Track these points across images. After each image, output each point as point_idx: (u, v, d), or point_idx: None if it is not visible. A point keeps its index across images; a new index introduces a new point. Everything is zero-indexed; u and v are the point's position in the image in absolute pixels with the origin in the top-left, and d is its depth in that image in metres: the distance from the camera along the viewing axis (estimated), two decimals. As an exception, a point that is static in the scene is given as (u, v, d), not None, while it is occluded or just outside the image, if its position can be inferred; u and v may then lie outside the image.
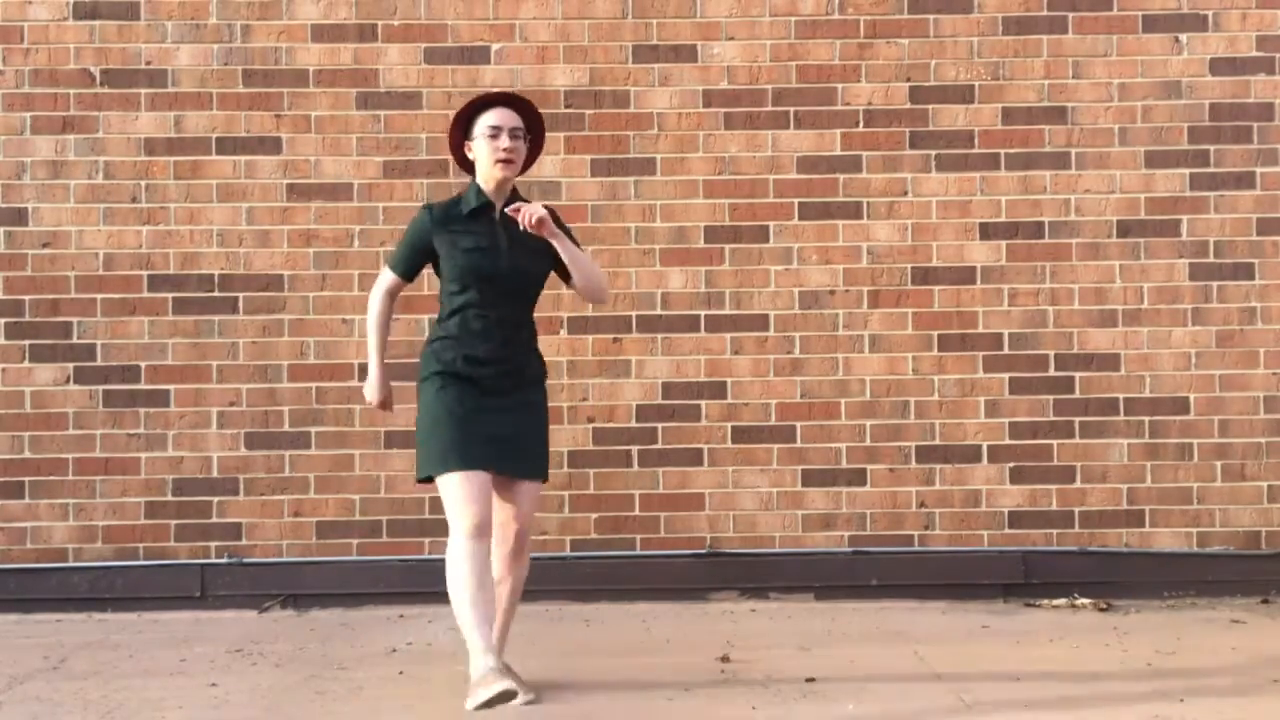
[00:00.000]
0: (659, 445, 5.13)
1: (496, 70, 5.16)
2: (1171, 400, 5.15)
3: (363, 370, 5.07)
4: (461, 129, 3.72)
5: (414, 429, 3.62)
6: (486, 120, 3.66)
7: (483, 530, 3.53)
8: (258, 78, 5.16)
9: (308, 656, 4.31)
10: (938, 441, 5.14)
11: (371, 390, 3.86)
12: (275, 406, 5.11)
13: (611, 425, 5.13)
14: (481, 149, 3.67)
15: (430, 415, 3.62)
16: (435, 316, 5.10)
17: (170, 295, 5.11)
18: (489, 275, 3.63)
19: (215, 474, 5.10)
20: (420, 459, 3.67)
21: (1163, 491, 5.13)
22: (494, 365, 3.63)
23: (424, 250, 3.71)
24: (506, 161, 3.65)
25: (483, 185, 3.70)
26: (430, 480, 3.63)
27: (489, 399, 3.61)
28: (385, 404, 3.89)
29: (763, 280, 5.16)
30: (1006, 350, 5.15)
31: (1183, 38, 5.20)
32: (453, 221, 3.68)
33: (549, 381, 3.89)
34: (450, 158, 3.88)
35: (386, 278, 3.81)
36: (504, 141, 3.64)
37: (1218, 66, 5.19)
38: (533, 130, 3.76)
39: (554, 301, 4.88)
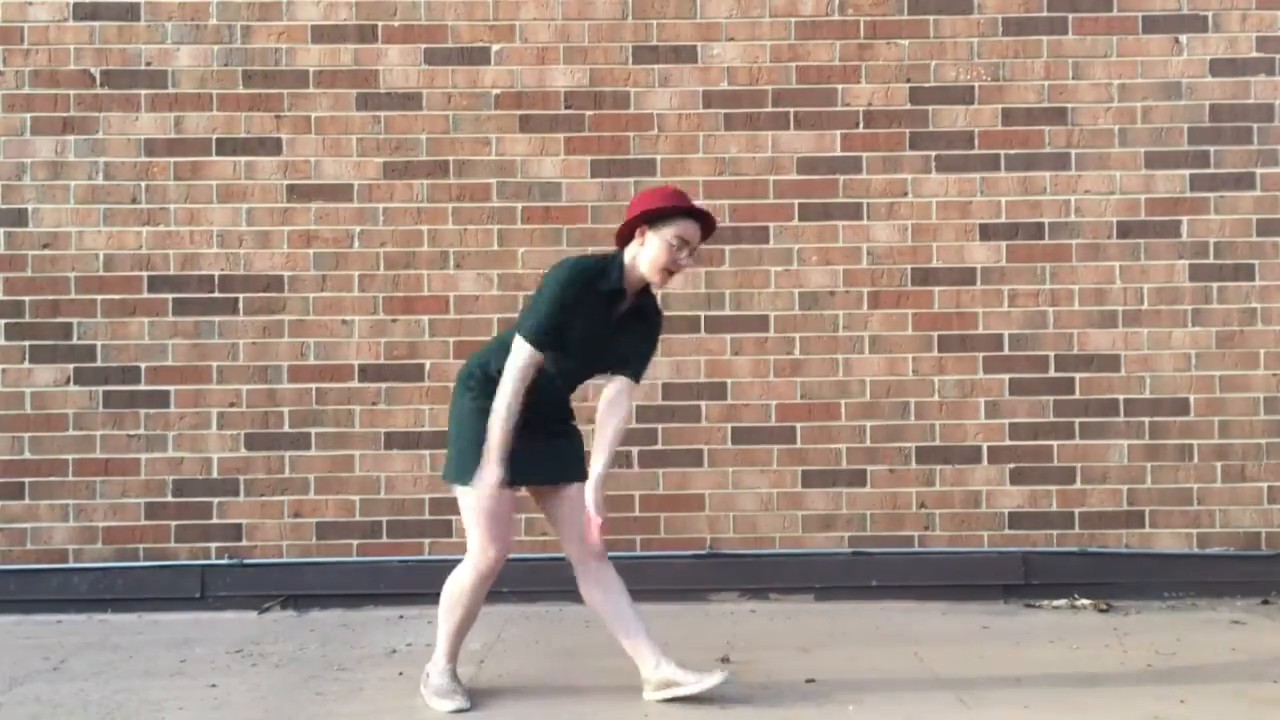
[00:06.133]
0: (659, 446, 5.13)
1: (496, 71, 5.17)
2: (1171, 401, 5.15)
3: (364, 371, 5.12)
4: (649, 213, 3.51)
5: (418, 429, 3.58)
6: (681, 229, 3.49)
7: None
8: (258, 78, 5.16)
9: (308, 657, 4.31)
10: (938, 442, 5.14)
11: (497, 474, 3.49)
12: (275, 407, 5.11)
13: (611, 426, 5.12)
14: (658, 250, 3.49)
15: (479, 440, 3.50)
16: (433, 317, 5.17)
17: (170, 296, 5.12)
18: (588, 361, 3.59)
19: (215, 475, 5.10)
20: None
21: (1163, 492, 5.13)
22: (543, 412, 3.59)
23: (568, 313, 3.48)
24: (672, 275, 3.54)
25: (627, 271, 3.55)
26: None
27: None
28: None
29: (763, 281, 5.16)
30: (1006, 351, 5.15)
31: (1183, 38, 5.20)
32: (590, 295, 3.51)
33: None
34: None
35: (528, 353, 3.46)
36: (684, 260, 3.51)
37: (1218, 67, 5.19)
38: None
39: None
